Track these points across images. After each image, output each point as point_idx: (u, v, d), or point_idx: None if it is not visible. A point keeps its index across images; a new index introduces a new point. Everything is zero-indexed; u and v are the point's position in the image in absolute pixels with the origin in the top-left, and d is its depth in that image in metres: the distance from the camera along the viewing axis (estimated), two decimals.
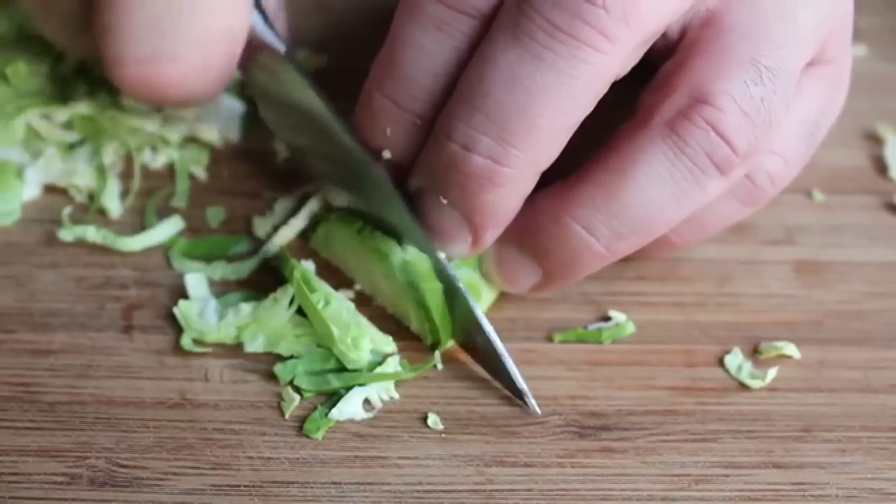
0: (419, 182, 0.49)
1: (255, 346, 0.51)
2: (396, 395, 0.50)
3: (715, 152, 0.47)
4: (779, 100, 0.47)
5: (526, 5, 0.45)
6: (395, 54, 0.47)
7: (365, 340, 0.50)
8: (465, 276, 0.51)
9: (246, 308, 0.51)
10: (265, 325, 0.51)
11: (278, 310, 0.51)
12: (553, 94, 0.45)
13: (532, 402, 0.49)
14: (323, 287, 0.51)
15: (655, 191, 0.47)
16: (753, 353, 0.52)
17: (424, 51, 0.47)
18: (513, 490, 0.47)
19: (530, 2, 0.45)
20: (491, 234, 0.49)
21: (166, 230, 0.55)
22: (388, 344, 0.51)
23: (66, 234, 0.54)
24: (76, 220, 0.55)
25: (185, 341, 0.51)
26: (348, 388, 0.50)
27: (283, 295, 0.51)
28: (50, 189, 0.57)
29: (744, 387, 0.51)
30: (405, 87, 0.47)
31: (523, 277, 0.51)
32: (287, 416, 0.49)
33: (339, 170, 0.52)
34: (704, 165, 0.47)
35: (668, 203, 0.47)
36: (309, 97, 0.50)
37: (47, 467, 0.47)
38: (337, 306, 0.50)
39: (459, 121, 0.46)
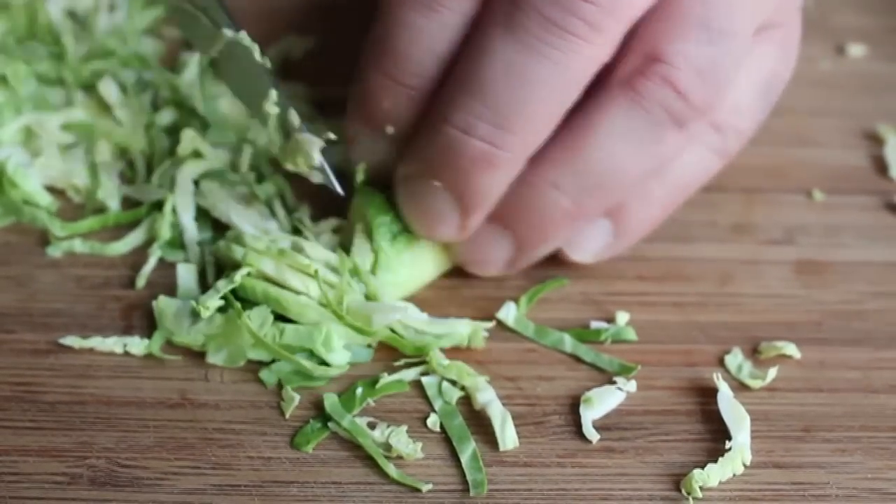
0: (411, 168, 0.51)
1: (216, 358, 0.50)
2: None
3: (670, 105, 0.49)
4: (730, 60, 0.50)
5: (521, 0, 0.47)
6: (388, 33, 0.50)
7: (333, 339, 0.50)
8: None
9: (218, 318, 0.51)
10: (231, 339, 0.50)
11: (244, 329, 0.50)
12: (548, 84, 0.48)
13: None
14: (287, 299, 0.50)
15: (616, 145, 0.49)
16: (753, 353, 0.52)
17: (417, 30, 0.49)
18: (513, 490, 0.47)
19: None
20: (478, 217, 0.51)
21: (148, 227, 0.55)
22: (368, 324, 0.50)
23: (54, 250, 0.54)
24: (76, 218, 0.55)
25: (154, 347, 0.50)
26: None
27: (255, 316, 0.50)
28: (49, 189, 0.57)
29: (744, 387, 0.51)
30: (400, 64, 0.50)
31: (495, 251, 0.52)
32: (287, 416, 0.49)
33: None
34: (661, 118, 0.49)
35: (629, 156, 0.50)
36: None
37: (48, 467, 0.47)
38: (292, 328, 0.50)
39: (458, 108, 0.48)
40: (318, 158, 0.52)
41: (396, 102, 0.50)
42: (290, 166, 0.53)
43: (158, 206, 0.56)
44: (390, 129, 0.51)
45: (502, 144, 0.48)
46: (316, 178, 0.52)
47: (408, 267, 0.52)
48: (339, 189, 0.52)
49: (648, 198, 0.53)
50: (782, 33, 0.54)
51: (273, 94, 0.52)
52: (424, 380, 0.50)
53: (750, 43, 0.51)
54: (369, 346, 0.51)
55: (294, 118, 0.52)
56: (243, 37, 0.53)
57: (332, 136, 0.52)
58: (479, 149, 0.48)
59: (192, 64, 0.60)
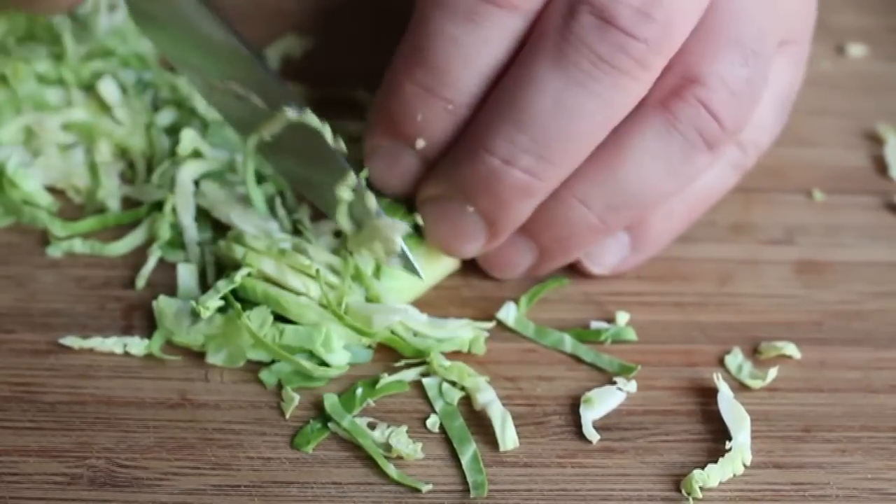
0: (441, 189, 0.50)
1: (216, 358, 0.50)
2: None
3: (704, 128, 0.49)
4: (760, 79, 0.50)
5: (570, 34, 0.47)
6: (426, 43, 0.48)
7: (333, 340, 0.50)
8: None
9: (218, 318, 0.51)
10: (231, 340, 0.50)
11: (244, 330, 0.50)
12: (593, 119, 0.47)
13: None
14: (287, 299, 0.50)
15: (649, 165, 0.49)
16: (753, 353, 0.52)
17: (457, 43, 0.48)
18: (513, 490, 0.47)
19: (575, 31, 0.47)
20: (505, 237, 0.51)
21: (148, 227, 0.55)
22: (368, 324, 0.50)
23: (54, 250, 0.54)
24: (76, 218, 0.55)
25: (154, 347, 0.51)
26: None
27: (255, 316, 0.50)
28: (49, 189, 0.57)
29: (744, 387, 0.51)
30: (438, 76, 0.48)
31: (518, 259, 0.52)
32: (287, 417, 0.49)
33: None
34: (694, 140, 0.49)
35: (660, 176, 0.49)
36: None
37: (48, 467, 0.47)
38: (291, 328, 0.50)
39: (502, 138, 0.48)
40: (400, 244, 0.50)
41: (431, 116, 0.49)
42: (365, 252, 0.51)
43: (158, 206, 0.56)
44: (420, 144, 0.50)
45: (543, 175, 0.48)
46: (394, 264, 0.51)
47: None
48: (421, 274, 0.51)
49: (669, 213, 0.53)
50: (796, 49, 0.54)
51: (351, 178, 0.49)
52: (425, 381, 0.50)
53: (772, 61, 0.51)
54: (369, 346, 0.51)
55: (372, 203, 0.49)
56: (310, 117, 0.49)
57: (418, 220, 0.51)
58: (519, 180, 0.48)
59: None
